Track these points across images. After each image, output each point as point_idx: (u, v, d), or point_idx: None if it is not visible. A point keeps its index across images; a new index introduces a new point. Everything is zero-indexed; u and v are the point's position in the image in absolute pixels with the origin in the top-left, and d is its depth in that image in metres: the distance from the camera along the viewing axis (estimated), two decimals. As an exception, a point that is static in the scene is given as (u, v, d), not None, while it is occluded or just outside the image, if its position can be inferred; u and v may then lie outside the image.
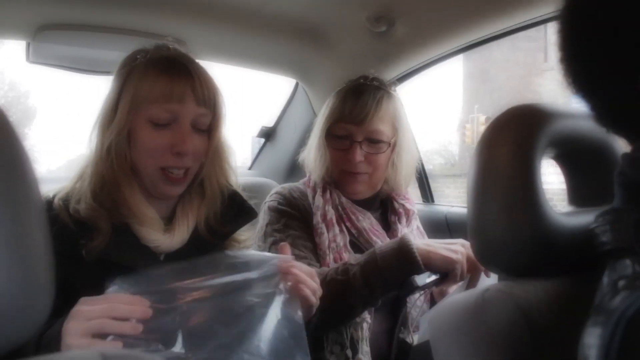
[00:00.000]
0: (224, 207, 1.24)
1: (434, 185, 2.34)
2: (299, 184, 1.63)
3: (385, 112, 1.50)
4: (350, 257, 1.37)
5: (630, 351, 0.56)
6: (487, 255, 0.83)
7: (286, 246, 1.10)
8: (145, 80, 1.11)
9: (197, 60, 1.21)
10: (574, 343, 0.64)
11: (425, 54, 1.90)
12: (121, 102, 1.11)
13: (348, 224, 1.49)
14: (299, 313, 0.99)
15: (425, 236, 1.65)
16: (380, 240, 1.48)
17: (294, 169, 2.32)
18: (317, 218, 1.48)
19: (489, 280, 1.36)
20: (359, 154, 1.48)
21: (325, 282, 1.27)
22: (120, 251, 1.08)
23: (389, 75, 1.99)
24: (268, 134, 2.58)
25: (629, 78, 0.62)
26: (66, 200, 1.10)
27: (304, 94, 2.34)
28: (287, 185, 1.63)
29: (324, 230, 1.46)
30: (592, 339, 0.59)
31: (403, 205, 1.61)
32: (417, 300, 1.47)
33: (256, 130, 2.61)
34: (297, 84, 2.38)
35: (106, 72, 1.19)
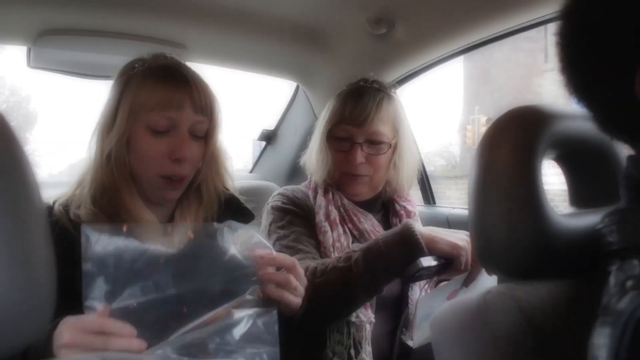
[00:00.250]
0: (221, 211, 1.26)
1: (435, 186, 2.34)
2: (300, 187, 1.63)
3: (386, 114, 1.51)
4: (353, 246, 1.36)
5: None
6: (488, 256, 0.83)
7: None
8: (144, 88, 1.13)
9: (197, 65, 1.23)
10: (577, 345, 0.64)
11: (426, 56, 1.90)
12: (120, 109, 1.13)
13: (350, 225, 1.50)
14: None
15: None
16: (382, 242, 1.48)
17: (295, 172, 2.32)
18: (320, 217, 1.48)
19: (489, 281, 1.36)
20: (359, 156, 1.48)
21: (327, 271, 1.27)
22: None
23: (389, 77, 2.00)
24: (269, 137, 2.59)
25: (625, 82, 0.63)
26: (66, 206, 1.12)
27: (305, 97, 2.34)
28: (289, 187, 1.64)
29: (328, 228, 1.46)
30: (601, 339, 0.59)
31: (404, 207, 1.61)
32: (419, 301, 1.47)
33: (257, 133, 2.61)
34: (297, 87, 2.38)
35: (107, 77, 1.20)
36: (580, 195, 0.95)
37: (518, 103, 0.86)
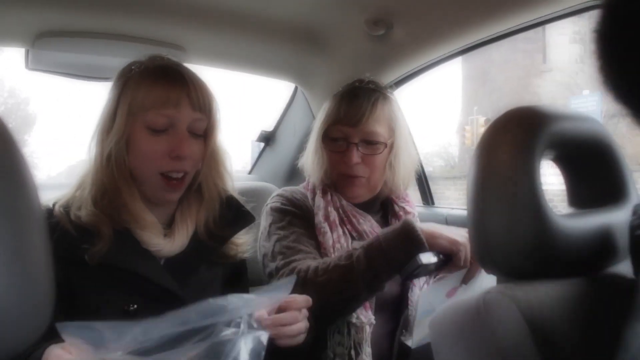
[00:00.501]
0: (222, 211, 1.26)
1: (434, 187, 2.34)
2: (299, 187, 1.63)
3: (381, 114, 1.51)
4: (354, 243, 1.36)
5: None
6: (487, 257, 0.83)
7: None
8: (141, 88, 1.14)
9: (195, 66, 1.24)
10: (577, 345, 0.64)
11: (424, 57, 1.90)
12: (119, 111, 1.14)
13: (349, 226, 1.50)
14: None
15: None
16: (381, 243, 1.48)
17: (293, 173, 2.32)
18: (319, 218, 1.48)
19: (488, 278, 1.37)
20: (355, 156, 1.48)
21: (329, 269, 1.28)
22: (122, 255, 1.10)
23: (387, 78, 2.00)
24: (267, 139, 2.59)
25: None
26: (67, 207, 1.12)
27: (303, 98, 2.34)
28: (288, 188, 1.64)
29: (327, 229, 1.46)
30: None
31: (403, 208, 1.61)
32: (418, 303, 1.47)
33: (256, 134, 2.61)
34: (296, 88, 2.38)
35: (105, 79, 1.21)
36: (579, 195, 0.95)
37: (516, 104, 0.86)
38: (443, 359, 0.81)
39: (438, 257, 1.27)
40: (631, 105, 0.67)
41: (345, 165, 1.50)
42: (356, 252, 1.29)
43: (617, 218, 0.87)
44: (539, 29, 1.57)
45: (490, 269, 0.87)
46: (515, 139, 0.80)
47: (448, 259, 1.28)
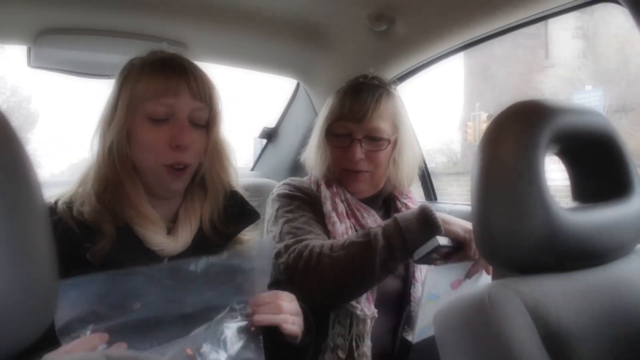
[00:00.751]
0: (226, 206, 1.24)
1: (436, 183, 2.34)
2: (303, 179, 1.64)
3: (385, 110, 1.51)
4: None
5: None
6: (491, 251, 0.83)
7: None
8: (141, 79, 1.13)
9: (197, 63, 1.22)
10: (582, 338, 0.64)
11: (426, 52, 1.90)
12: (119, 103, 1.14)
13: (353, 220, 1.50)
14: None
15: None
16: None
17: (296, 169, 2.32)
18: (328, 207, 1.48)
19: (489, 278, 1.38)
20: (359, 152, 1.48)
21: (345, 245, 1.29)
22: (124, 254, 1.08)
23: (390, 74, 1.99)
24: (270, 135, 2.58)
25: None
26: (69, 203, 1.11)
27: (305, 94, 2.34)
28: (294, 178, 1.65)
29: (336, 219, 1.46)
30: None
31: (406, 204, 1.61)
32: (421, 299, 1.47)
33: (258, 131, 2.61)
34: (298, 85, 2.38)
35: (107, 76, 1.20)
36: (583, 189, 0.95)
37: (519, 99, 0.86)
38: (448, 352, 0.81)
39: (452, 243, 1.29)
40: None
41: (349, 161, 1.50)
42: (373, 230, 1.30)
43: (622, 212, 0.87)
44: (541, 24, 1.57)
45: (494, 263, 0.88)
46: (519, 132, 0.80)
47: (459, 247, 1.30)
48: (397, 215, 1.33)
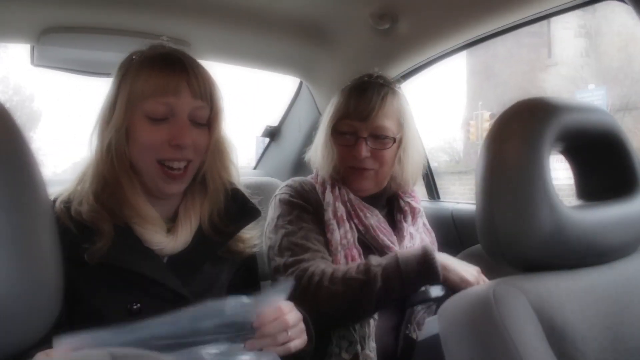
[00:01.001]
0: (227, 204, 1.23)
1: (439, 182, 2.34)
2: (308, 178, 1.63)
3: (390, 108, 1.51)
4: (370, 258, 1.37)
5: None
6: (496, 249, 0.83)
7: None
8: (140, 76, 1.11)
9: (200, 61, 1.20)
10: (587, 335, 0.64)
11: (429, 51, 1.90)
12: (118, 100, 1.11)
13: (356, 220, 1.50)
14: None
15: (432, 233, 1.66)
16: (387, 238, 1.49)
17: (299, 168, 2.32)
18: (329, 215, 1.48)
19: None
20: (364, 150, 1.48)
21: (345, 279, 1.30)
22: (122, 254, 1.07)
23: (393, 72, 1.99)
24: (272, 134, 2.58)
25: None
26: (67, 202, 1.10)
27: (308, 93, 2.34)
28: (297, 178, 1.63)
29: (336, 227, 1.46)
30: None
31: (409, 204, 1.61)
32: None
33: (261, 129, 2.61)
34: (301, 83, 2.38)
35: (110, 74, 1.18)
36: (588, 187, 0.95)
37: (522, 98, 0.86)
38: (452, 349, 0.81)
39: (445, 291, 1.31)
40: None
41: (355, 159, 1.50)
42: (373, 269, 1.31)
43: (627, 210, 0.87)
44: (544, 23, 1.57)
45: (499, 261, 0.87)
46: (524, 130, 0.80)
47: (454, 293, 1.30)
48: (399, 255, 1.34)
